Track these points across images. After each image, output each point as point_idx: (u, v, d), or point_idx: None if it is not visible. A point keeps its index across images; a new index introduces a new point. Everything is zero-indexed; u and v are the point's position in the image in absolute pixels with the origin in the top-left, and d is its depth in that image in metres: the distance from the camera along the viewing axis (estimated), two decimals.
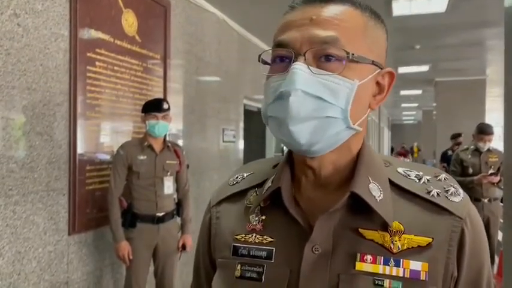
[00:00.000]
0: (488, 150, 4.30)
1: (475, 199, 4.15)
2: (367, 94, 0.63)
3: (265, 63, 0.66)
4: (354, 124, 0.61)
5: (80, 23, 2.41)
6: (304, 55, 0.59)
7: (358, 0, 0.64)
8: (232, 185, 0.76)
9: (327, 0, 0.62)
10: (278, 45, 0.62)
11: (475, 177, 4.15)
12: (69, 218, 2.38)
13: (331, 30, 0.59)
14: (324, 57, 0.59)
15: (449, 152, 6.41)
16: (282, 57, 0.62)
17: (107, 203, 2.53)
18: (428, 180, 0.66)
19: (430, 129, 11.77)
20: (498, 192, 4.22)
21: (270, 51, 0.64)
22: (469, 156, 4.35)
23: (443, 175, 0.67)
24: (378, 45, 0.65)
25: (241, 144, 5.01)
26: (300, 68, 0.58)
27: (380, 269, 0.59)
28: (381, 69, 0.64)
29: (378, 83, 0.65)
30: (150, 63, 3.13)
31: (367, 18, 0.63)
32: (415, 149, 20.00)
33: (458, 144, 6.60)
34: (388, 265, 0.59)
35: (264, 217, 0.68)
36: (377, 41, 0.64)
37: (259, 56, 0.66)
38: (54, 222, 2.29)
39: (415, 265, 0.59)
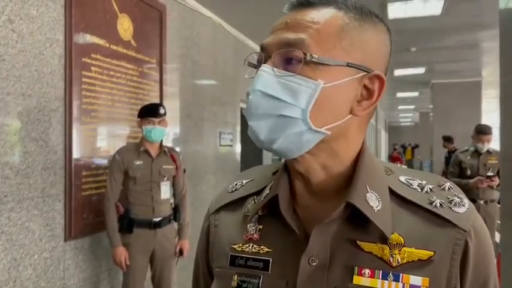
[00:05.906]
0: (488, 151, 4.25)
1: (471, 200, 4.12)
2: (342, 98, 0.60)
3: (254, 66, 0.67)
4: (319, 127, 0.59)
5: (75, 28, 2.41)
6: (272, 57, 0.60)
7: (346, 2, 0.61)
8: (231, 192, 0.74)
9: (310, 5, 0.61)
10: (260, 49, 0.64)
11: (471, 181, 4.11)
12: (65, 224, 2.36)
13: (300, 33, 0.59)
14: (288, 59, 0.60)
15: (446, 155, 6.46)
16: (260, 61, 0.64)
17: (103, 209, 2.52)
18: (431, 189, 0.63)
19: (427, 130, 11.80)
20: (495, 194, 4.21)
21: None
22: (468, 157, 4.31)
23: (447, 184, 0.64)
24: (363, 46, 0.61)
25: (238, 148, 5.01)
26: (264, 70, 0.60)
27: (378, 283, 0.57)
28: (367, 72, 0.61)
29: (366, 87, 0.61)
30: (146, 68, 3.12)
31: (349, 20, 0.60)
32: (408, 150, 18.37)
33: (446, 147, 6.81)
34: (387, 279, 0.57)
35: (261, 226, 0.66)
36: (360, 42, 0.61)
37: (244, 60, 0.67)
38: (50, 229, 2.27)
39: (415, 280, 0.57)
